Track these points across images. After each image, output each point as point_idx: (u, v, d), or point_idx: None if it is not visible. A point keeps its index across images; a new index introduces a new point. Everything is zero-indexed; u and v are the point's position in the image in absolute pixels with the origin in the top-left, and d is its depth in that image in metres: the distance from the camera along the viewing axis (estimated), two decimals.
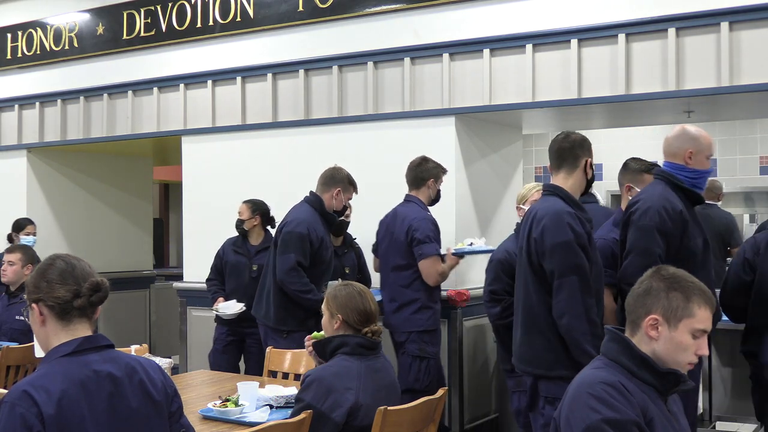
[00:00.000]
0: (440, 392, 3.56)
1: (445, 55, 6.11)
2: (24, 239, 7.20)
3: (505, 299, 4.53)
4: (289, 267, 5.26)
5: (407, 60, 6.25)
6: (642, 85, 5.48)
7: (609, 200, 9.45)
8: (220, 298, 6.07)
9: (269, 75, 6.87)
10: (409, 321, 5.34)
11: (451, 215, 5.98)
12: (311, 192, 5.58)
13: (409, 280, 5.37)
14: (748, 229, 8.07)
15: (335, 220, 5.58)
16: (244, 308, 5.89)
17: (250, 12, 6.93)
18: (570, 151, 3.88)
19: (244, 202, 6.24)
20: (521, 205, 4.87)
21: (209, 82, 7.20)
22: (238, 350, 6.12)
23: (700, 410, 5.80)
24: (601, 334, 3.36)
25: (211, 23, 7.14)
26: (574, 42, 5.65)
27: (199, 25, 7.20)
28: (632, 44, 5.50)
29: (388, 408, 3.16)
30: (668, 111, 6.26)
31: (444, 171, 5.60)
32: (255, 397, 3.73)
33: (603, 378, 2.31)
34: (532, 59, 5.81)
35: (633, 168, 4.65)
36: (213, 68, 7.17)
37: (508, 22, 5.89)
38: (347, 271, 5.80)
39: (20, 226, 7.45)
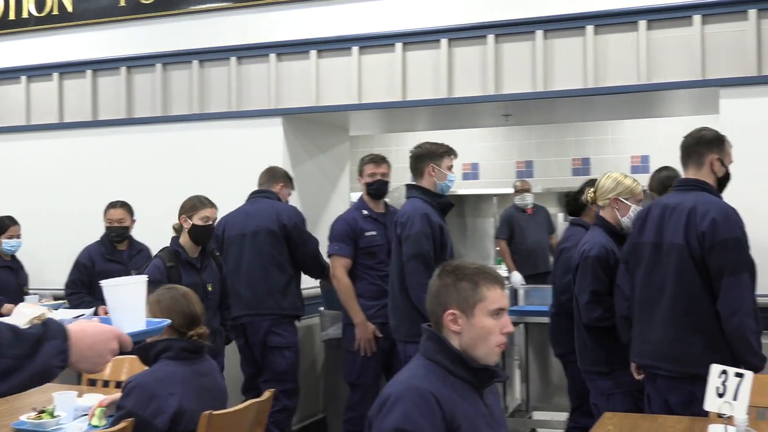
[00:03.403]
0: (267, 394, 3.54)
1: (272, 56, 6.09)
2: (6, 243, 6.18)
3: (607, 300, 4.08)
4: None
5: (234, 59, 6.19)
6: (463, 88, 5.66)
7: None
8: (102, 307, 5.49)
9: (89, 72, 6.63)
10: None
11: None
12: (267, 191, 5.49)
13: None
14: (562, 227, 8.51)
15: None
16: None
17: (68, 5, 6.66)
18: (693, 147, 3.70)
19: (121, 206, 5.76)
20: (624, 199, 4.20)
21: (23, 77, 6.85)
22: None
23: (518, 401, 6.06)
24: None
25: (25, 15, 6.80)
26: (399, 45, 5.77)
27: (11, 17, 6.84)
28: (454, 49, 5.67)
29: (213, 413, 3.12)
30: (488, 114, 6.50)
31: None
32: (73, 407, 3.58)
33: (418, 387, 2.33)
34: (358, 61, 5.89)
35: None
36: (27, 63, 6.83)
37: (335, 24, 5.94)
38: (210, 288, 4.93)
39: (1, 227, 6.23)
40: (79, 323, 1.82)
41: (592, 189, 4.32)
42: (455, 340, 2.42)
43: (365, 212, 5.34)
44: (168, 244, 4.85)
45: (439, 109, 6.00)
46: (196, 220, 4.78)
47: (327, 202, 6.63)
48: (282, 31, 6.08)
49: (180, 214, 4.82)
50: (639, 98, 5.60)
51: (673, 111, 6.63)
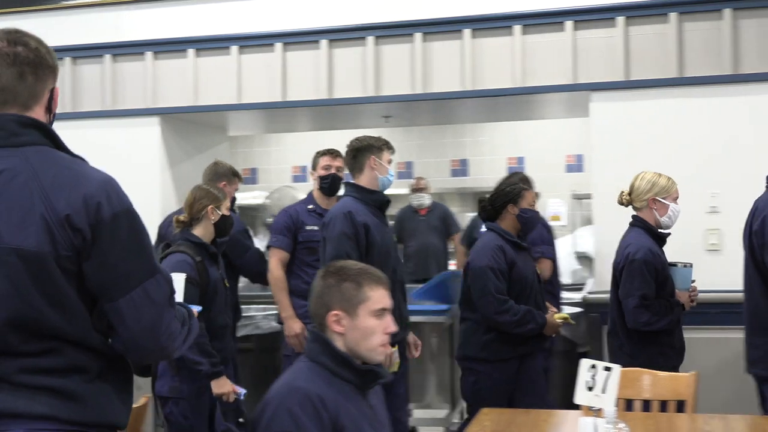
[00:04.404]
0: (142, 400, 3.46)
1: (149, 53, 5.97)
2: None
3: (654, 305, 4.02)
4: None
5: (108, 57, 6.04)
6: (343, 89, 5.69)
7: None
8: None
9: None
10: None
11: (155, 217, 5.84)
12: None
13: None
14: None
15: None
16: None
17: None
18: None
19: None
20: (660, 198, 4.17)
21: None
22: None
23: None
24: None
25: None
26: (278, 45, 5.74)
27: None
28: (334, 50, 5.69)
29: None
30: (368, 115, 6.54)
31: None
32: None
33: (303, 389, 2.32)
34: (237, 61, 5.83)
35: None
36: None
37: (213, 22, 5.87)
38: (226, 284, 4.42)
39: None
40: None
41: (626, 191, 4.25)
42: (339, 341, 2.43)
43: (310, 207, 5.06)
44: (179, 238, 4.22)
45: (320, 109, 6.00)
46: (224, 210, 4.33)
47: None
48: (159, 28, 5.96)
49: (205, 206, 4.25)
50: (514, 101, 5.75)
51: (547, 113, 6.83)
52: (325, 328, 2.45)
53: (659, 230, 4.16)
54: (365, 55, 5.62)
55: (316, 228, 4.85)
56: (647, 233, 4.13)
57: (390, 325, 2.45)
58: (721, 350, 4.73)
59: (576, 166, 9.24)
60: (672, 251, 4.23)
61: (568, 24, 5.30)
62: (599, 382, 2.86)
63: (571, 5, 5.30)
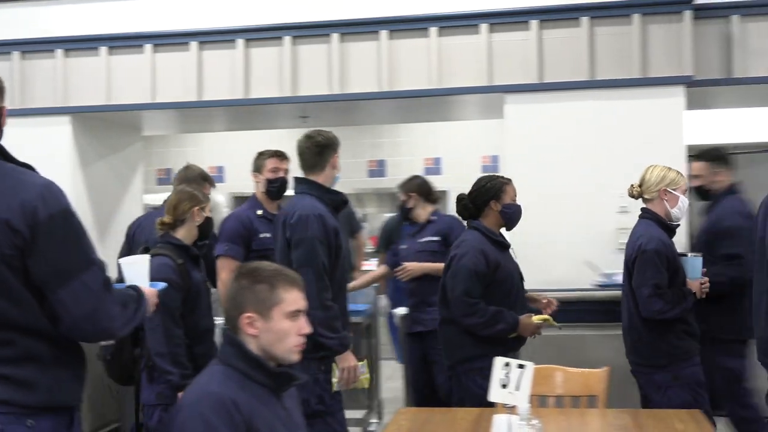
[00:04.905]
0: None
1: (59, 51, 5.83)
2: None
3: (666, 293, 4.04)
4: None
5: (16, 54, 5.88)
6: (260, 89, 5.65)
7: (232, 202, 9.57)
8: None
9: None
10: None
11: None
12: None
13: None
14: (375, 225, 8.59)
15: None
16: None
17: None
18: None
19: None
20: (671, 190, 4.18)
21: None
22: None
23: None
24: None
25: None
26: (194, 44, 5.68)
27: None
28: (251, 50, 5.65)
29: None
30: (286, 115, 6.51)
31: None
32: None
33: (216, 393, 2.30)
34: (152, 59, 5.74)
35: None
36: None
37: (127, 20, 5.77)
38: (208, 285, 4.31)
39: None
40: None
41: (636, 184, 4.27)
42: (252, 343, 2.40)
43: (260, 212, 4.82)
44: (160, 241, 4.05)
45: (236, 109, 5.95)
46: (207, 212, 4.17)
47: (119, 204, 6.41)
48: (70, 25, 5.83)
49: (190, 207, 4.08)
50: (431, 102, 5.80)
51: (463, 115, 6.91)
52: (239, 330, 2.42)
53: (669, 222, 4.23)
54: (282, 54, 5.60)
55: (269, 235, 4.60)
56: (657, 224, 4.18)
57: (304, 326, 2.44)
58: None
59: (491, 166, 9.36)
60: (587, 250, 4.32)
61: (483, 27, 5.37)
62: (513, 379, 2.90)
63: (485, 8, 5.38)
